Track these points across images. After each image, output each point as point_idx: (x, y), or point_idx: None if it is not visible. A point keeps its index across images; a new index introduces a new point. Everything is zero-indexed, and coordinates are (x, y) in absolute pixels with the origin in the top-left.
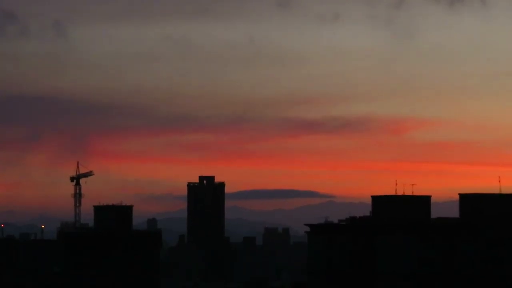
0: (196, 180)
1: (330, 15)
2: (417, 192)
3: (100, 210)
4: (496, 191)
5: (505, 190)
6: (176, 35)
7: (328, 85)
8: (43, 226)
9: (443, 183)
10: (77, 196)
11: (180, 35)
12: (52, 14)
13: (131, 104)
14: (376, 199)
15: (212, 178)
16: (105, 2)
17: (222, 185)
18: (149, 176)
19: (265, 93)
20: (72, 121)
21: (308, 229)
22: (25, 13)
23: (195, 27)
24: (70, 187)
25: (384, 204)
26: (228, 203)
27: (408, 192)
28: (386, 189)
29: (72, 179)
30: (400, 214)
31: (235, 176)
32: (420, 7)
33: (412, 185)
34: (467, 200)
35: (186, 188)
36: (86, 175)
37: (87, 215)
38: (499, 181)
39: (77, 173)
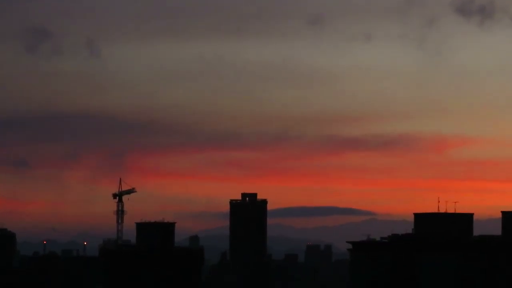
0: (238, 197)
1: (362, 34)
2: (459, 210)
3: (142, 227)
4: None
5: None
6: (208, 54)
7: (367, 103)
8: (85, 243)
9: (486, 201)
10: (119, 213)
11: (213, 54)
12: (85, 32)
13: (170, 121)
14: (418, 217)
15: (255, 195)
16: (138, 21)
17: (264, 202)
18: (190, 193)
19: (305, 111)
20: (111, 139)
21: (350, 246)
22: (58, 31)
23: (228, 46)
24: (112, 204)
25: (426, 221)
26: (270, 220)
27: (451, 210)
28: (428, 207)
29: (114, 196)
30: (442, 231)
31: (277, 193)
32: (451, 25)
33: (455, 202)
34: (510, 218)
35: (228, 205)
36: (128, 192)
37: (129, 232)
38: None
39: (120, 190)
